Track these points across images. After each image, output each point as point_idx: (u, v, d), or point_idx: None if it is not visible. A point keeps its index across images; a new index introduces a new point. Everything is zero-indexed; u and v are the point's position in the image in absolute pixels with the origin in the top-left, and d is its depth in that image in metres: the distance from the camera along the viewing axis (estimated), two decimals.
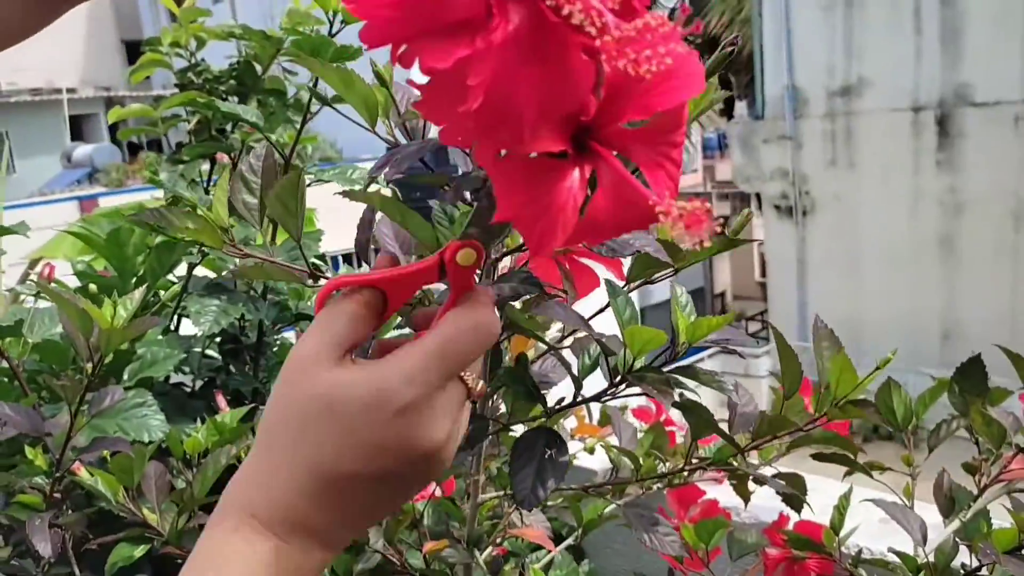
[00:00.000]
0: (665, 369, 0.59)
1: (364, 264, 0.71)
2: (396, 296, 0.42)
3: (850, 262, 8.80)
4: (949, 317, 8.10)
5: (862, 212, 8.64)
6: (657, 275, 0.64)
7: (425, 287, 0.47)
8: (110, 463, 0.80)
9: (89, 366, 0.74)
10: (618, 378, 0.60)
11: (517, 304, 0.67)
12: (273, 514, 0.39)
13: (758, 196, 10.01)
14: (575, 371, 0.65)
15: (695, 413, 0.69)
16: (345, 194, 0.49)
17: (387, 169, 0.52)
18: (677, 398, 0.71)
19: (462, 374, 0.41)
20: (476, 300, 0.41)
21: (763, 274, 12.12)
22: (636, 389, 0.59)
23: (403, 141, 0.60)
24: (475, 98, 0.32)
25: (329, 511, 0.40)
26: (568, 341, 0.75)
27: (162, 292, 1.20)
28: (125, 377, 1.02)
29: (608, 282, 0.61)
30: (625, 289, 0.63)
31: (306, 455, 0.39)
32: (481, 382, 0.42)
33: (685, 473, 0.95)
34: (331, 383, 0.39)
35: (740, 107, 11.99)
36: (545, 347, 0.70)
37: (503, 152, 0.35)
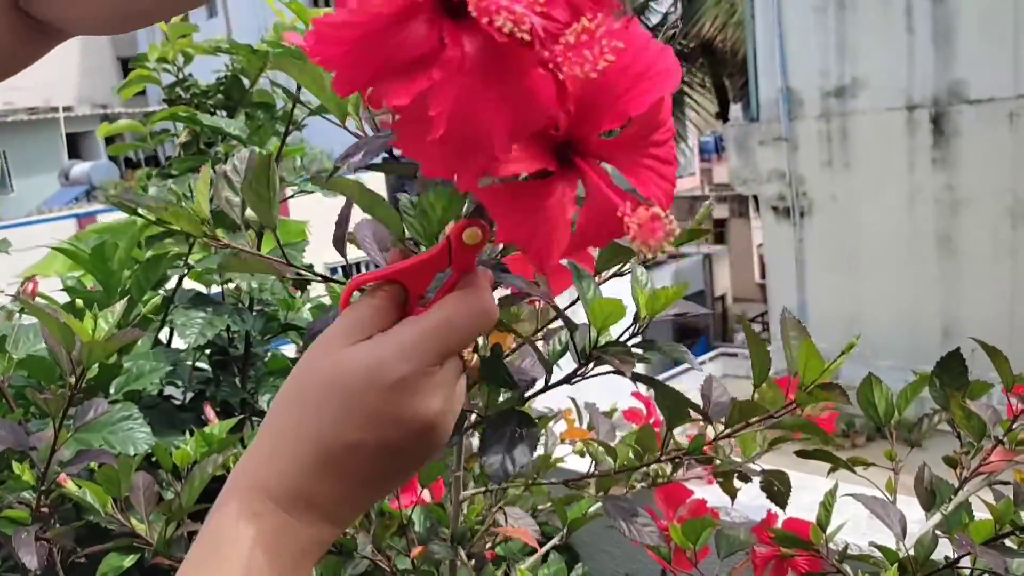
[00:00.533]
0: (629, 344, 0.60)
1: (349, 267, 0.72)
2: (414, 285, 0.43)
3: (849, 262, 8.80)
4: (948, 315, 8.10)
5: (859, 212, 8.65)
6: (625, 267, 0.65)
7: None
8: (97, 474, 0.81)
9: (72, 379, 0.75)
10: (585, 357, 0.61)
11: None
12: (279, 485, 0.41)
13: (755, 198, 10.02)
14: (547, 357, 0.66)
15: (669, 398, 0.69)
16: (316, 182, 0.50)
17: (353, 159, 0.53)
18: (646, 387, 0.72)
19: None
20: (476, 284, 0.43)
21: (763, 276, 12.14)
22: (604, 368, 0.60)
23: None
24: (438, 127, 0.33)
25: (333, 483, 0.41)
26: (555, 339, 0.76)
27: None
28: (112, 391, 1.03)
29: (573, 266, 0.62)
30: (595, 280, 0.64)
31: (308, 428, 0.41)
32: (476, 356, 0.43)
33: (668, 469, 0.96)
34: (333, 361, 0.41)
35: (735, 110, 12.03)
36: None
37: (488, 179, 0.36)
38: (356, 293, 0.44)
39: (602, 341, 0.61)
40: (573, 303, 0.64)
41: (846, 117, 8.59)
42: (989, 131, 7.56)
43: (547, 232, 0.37)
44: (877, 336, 8.01)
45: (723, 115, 12.49)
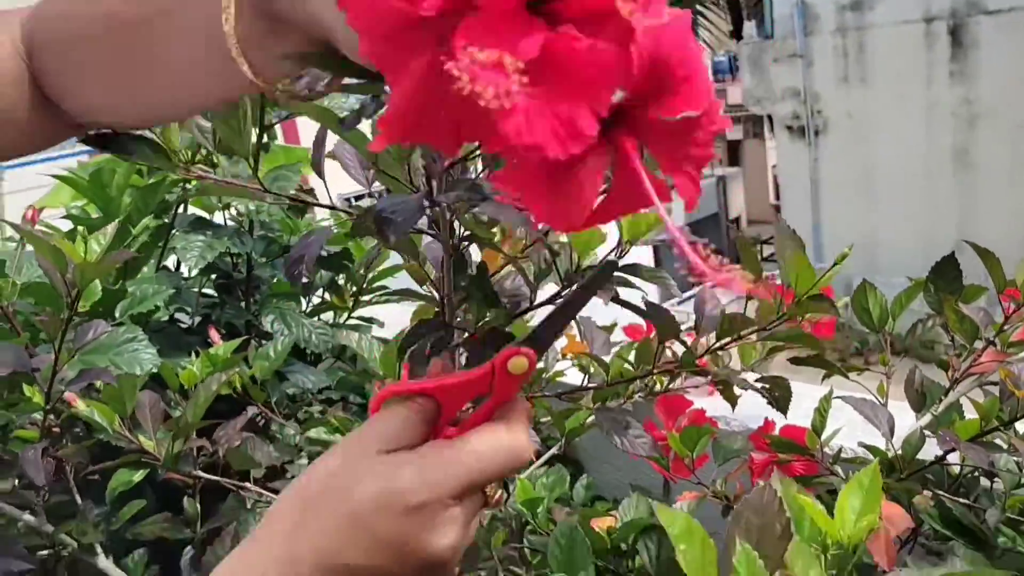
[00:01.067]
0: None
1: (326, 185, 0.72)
2: (449, 404, 0.41)
3: (864, 180, 8.70)
4: (964, 231, 8.02)
5: (875, 129, 8.51)
6: None
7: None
8: (102, 392, 0.83)
9: (67, 301, 0.76)
10: (568, 279, 0.61)
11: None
12: None
13: (769, 118, 9.87)
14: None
15: (658, 315, 0.70)
16: (275, 100, 0.50)
17: (306, 80, 0.53)
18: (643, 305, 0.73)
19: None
20: (514, 420, 0.40)
21: (777, 197, 12.02)
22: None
23: None
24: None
25: None
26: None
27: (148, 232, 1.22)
28: (117, 314, 1.05)
29: None
30: None
31: (310, 540, 0.38)
32: (500, 491, 0.40)
33: (666, 380, 0.97)
34: (350, 471, 0.39)
35: (749, 27, 11.74)
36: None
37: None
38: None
39: (584, 264, 0.61)
40: None
41: (862, 31, 8.39)
42: (1008, 42, 7.37)
43: (572, 202, 0.34)
44: (892, 254, 7.96)
45: (737, 33, 12.20)
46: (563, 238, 0.61)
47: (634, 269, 0.61)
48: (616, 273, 0.61)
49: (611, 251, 0.62)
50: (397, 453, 0.39)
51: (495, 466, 0.39)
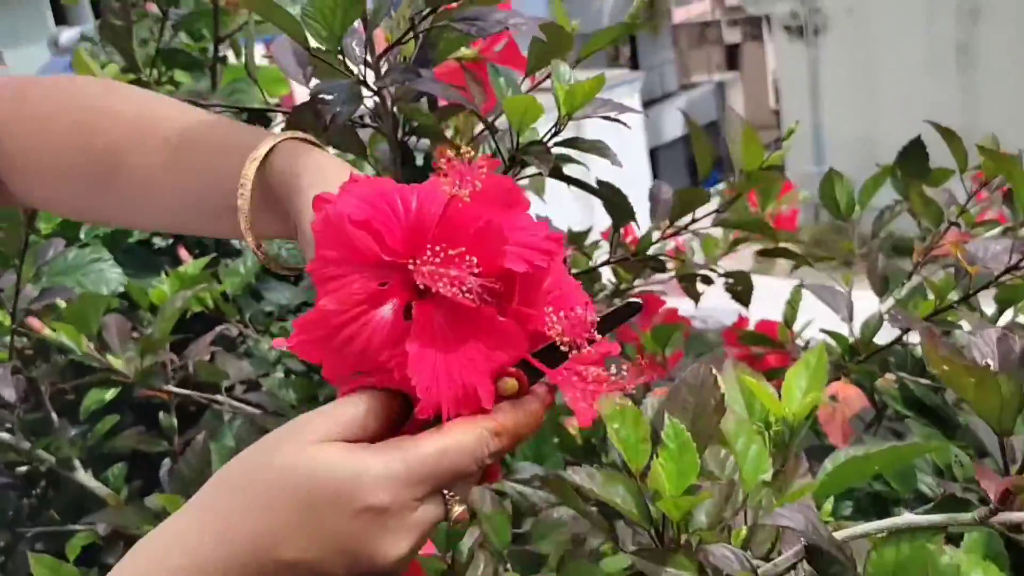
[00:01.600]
0: (551, 143, 0.59)
1: None
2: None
3: (865, 80, 8.51)
4: (968, 130, 7.80)
5: (876, 26, 8.28)
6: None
7: None
8: (65, 313, 0.83)
9: (24, 219, 0.76)
10: (510, 159, 0.60)
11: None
12: None
13: (767, 18, 9.64)
14: None
15: (614, 200, 0.70)
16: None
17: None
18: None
19: (446, 494, 0.37)
20: (497, 413, 0.37)
21: (778, 102, 11.83)
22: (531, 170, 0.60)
23: None
24: (423, 399, 0.36)
25: None
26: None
27: None
28: (81, 236, 1.04)
29: (492, 66, 0.60)
30: (527, 83, 0.63)
31: (252, 529, 0.35)
32: (462, 507, 0.37)
33: (630, 277, 0.97)
34: (307, 456, 0.35)
35: None
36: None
37: None
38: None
39: (524, 142, 0.60)
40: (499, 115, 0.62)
41: None
42: None
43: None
44: (894, 153, 7.85)
45: None
46: (502, 120, 0.59)
47: (574, 142, 0.59)
48: (555, 149, 0.59)
49: (551, 127, 0.60)
50: (355, 445, 0.36)
51: (464, 459, 0.36)
